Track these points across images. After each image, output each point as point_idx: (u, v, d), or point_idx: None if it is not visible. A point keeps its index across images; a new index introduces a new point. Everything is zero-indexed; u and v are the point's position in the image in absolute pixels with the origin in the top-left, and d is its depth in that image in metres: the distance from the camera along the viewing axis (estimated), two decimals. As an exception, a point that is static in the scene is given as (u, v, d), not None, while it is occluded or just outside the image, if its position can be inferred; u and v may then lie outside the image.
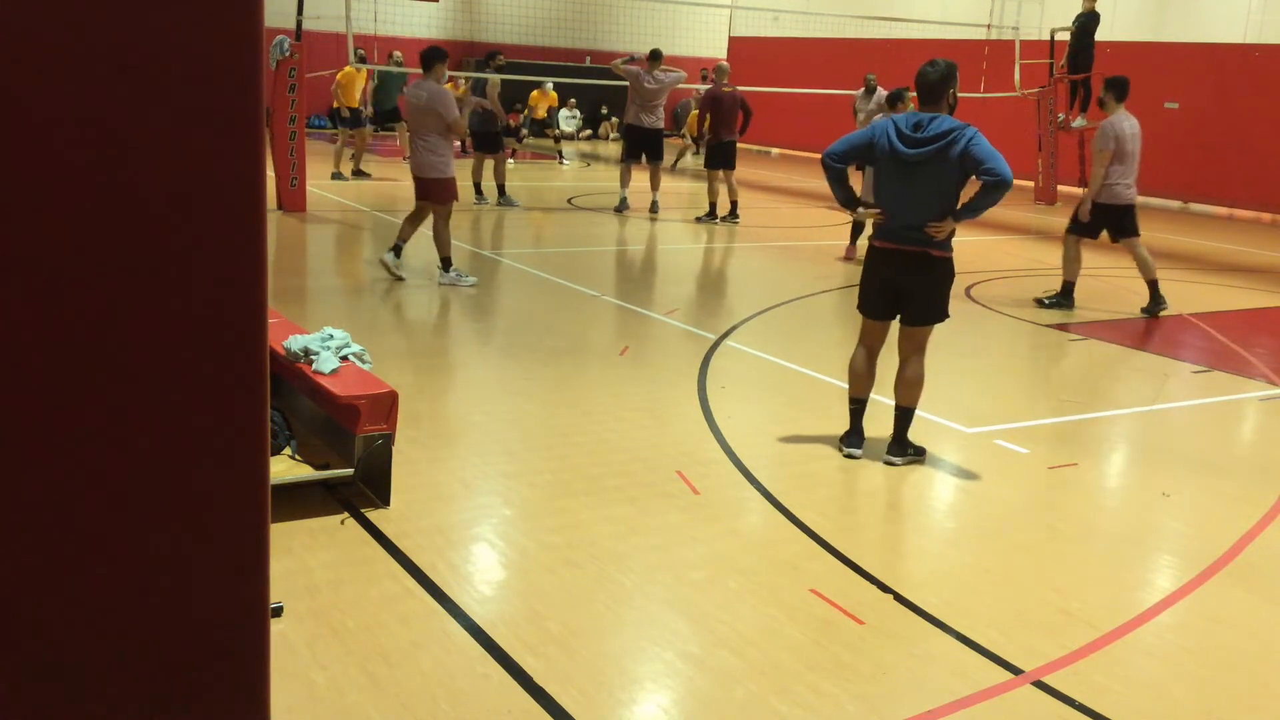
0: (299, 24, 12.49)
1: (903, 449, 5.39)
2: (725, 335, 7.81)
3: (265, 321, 1.88)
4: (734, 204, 13.43)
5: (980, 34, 19.01)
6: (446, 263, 9.03)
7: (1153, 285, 9.26)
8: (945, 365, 7.04)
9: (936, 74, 5.12)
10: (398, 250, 9.06)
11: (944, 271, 5.27)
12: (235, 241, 1.81)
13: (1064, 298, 9.39)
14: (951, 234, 5.20)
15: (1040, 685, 3.48)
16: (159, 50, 1.72)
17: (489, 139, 13.47)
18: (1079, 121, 17.64)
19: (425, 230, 9.07)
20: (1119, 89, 8.82)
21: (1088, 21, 16.88)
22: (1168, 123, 18.44)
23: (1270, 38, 17.57)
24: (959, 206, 5.17)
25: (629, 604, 3.88)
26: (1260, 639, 3.90)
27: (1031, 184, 17.79)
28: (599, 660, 3.50)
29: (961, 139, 5.02)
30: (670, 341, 7.74)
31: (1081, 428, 6.26)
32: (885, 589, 4.07)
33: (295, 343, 4.90)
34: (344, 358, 4.90)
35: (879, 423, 5.60)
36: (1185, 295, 10.48)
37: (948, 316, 5.38)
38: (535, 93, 21.06)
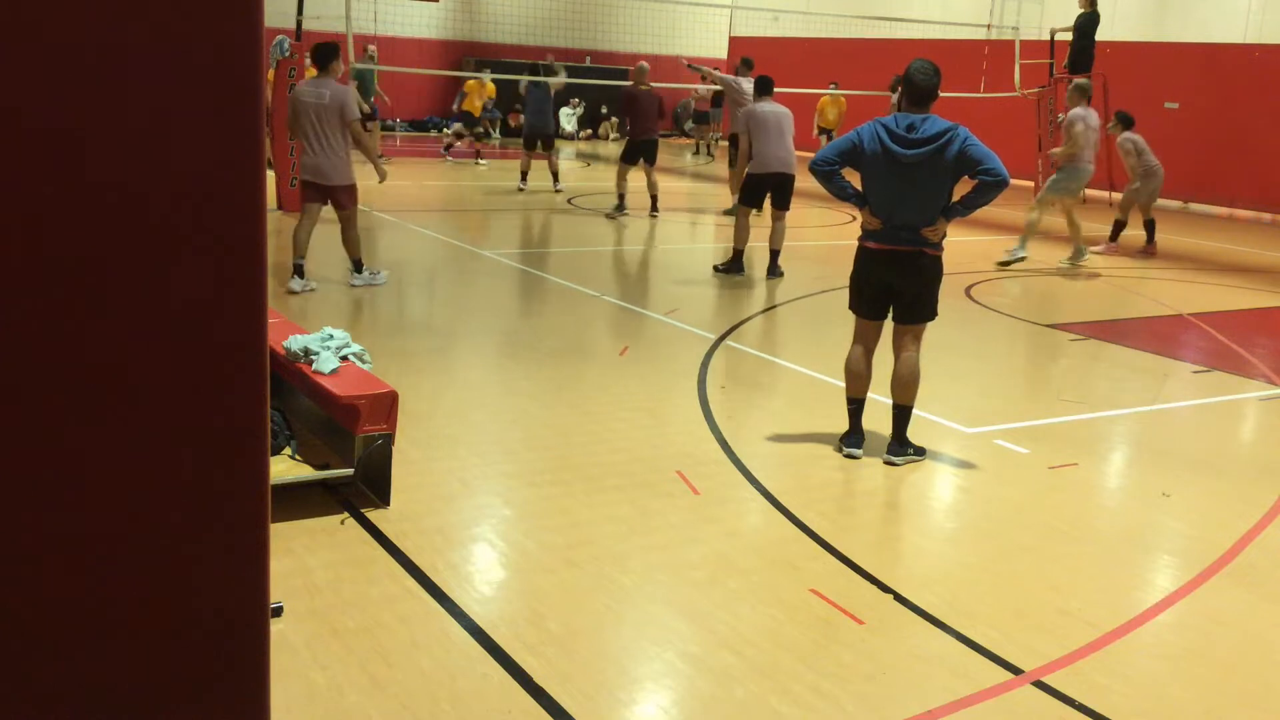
0: (299, 24, 12.49)
1: (903, 448, 5.39)
2: (725, 335, 7.81)
3: (265, 321, 1.88)
4: (654, 199, 13.58)
5: (980, 34, 19.01)
6: (300, 269, 8.37)
7: (737, 253, 10.28)
8: (945, 365, 7.04)
9: (931, 79, 5.16)
10: (300, 272, 8.43)
11: (937, 270, 5.33)
12: (235, 241, 1.81)
13: (734, 264, 10.27)
14: (944, 234, 5.23)
15: (1040, 685, 3.48)
16: (159, 50, 1.72)
17: (546, 135, 15.04)
18: (1079, 121, 17.62)
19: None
20: (762, 85, 10.45)
21: (1087, 22, 16.89)
22: (1168, 123, 18.44)
23: (1270, 38, 17.57)
24: (950, 204, 5.20)
25: (629, 604, 3.88)
26: (1260, 639, 3.90)
27: (1031, 184, 17.79)
28: (599, 660, 3.50)
29: (957, 140, 5.05)
30: (670, 341, 7.74)
31: (1081, 428, 6.26)
32: (885, 589, 4.07)
33: (295, 343, 4.90)
34: (344, 358, 4.90)
35: (878, 422, 5.60)
36: (1185, 295, 10.48)
37: (937, 314, 5.42)
38: (472, 82, 19.02)
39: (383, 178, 8.98)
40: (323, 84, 8.07)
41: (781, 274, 10.23)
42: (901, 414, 5.39)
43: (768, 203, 10.39)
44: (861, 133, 5.24)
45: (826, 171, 5.27)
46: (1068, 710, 3.35)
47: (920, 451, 5.45)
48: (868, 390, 5.52)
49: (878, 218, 5.24)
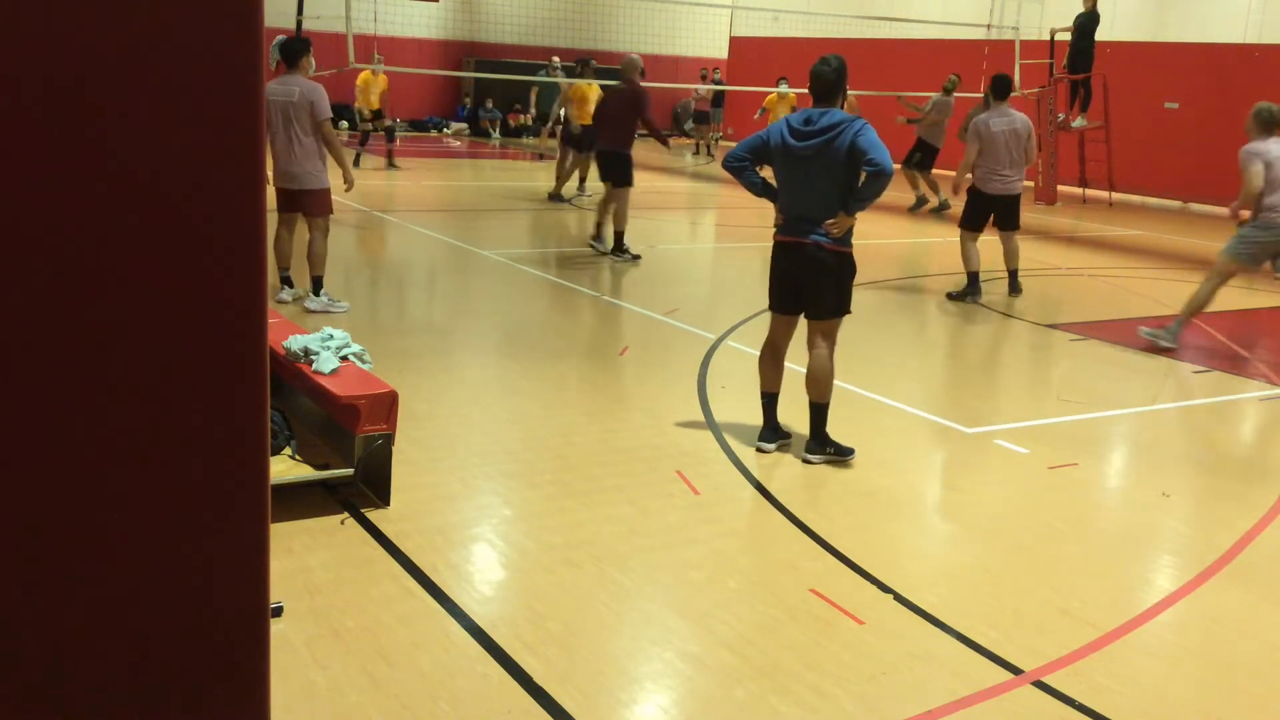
0: (299, 24, 12.50)
1: (820, 445, 5.34)
2: (725, 335, 7.80)
3: (265, 321, 1.88)
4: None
5: (980, 34, 19.01)
6: (318, 284, 7.87)
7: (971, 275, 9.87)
8: (944, 366, 7.04)
9: (834, 73, 5.16)
10: (289, 282, 8.07)
11: (843, 266, 5.25)
12: (235, 241, 1.81)
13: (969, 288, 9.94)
14: (850, 230, 5.22)
15: (1040, 685, 3.48)
16: (159, 50, 1.72)
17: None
18: (1079, 121, 17.65)
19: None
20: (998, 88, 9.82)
21: (1087, 22, 16.90)
22: (1168, 123, 18.45)
23: (1270, 38, 17.57)
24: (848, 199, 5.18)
25: (629, 604, 3.88)
26: (1260, 639, 3.90)
27: (1032, 184, 17.79)
28: (599, 660, 3.50)
29: (849, 131, 5.04)
30: (670, 341, 7.74)
31: (1081, 428, 6.25)
32: (885, 589, 4.07)
33: (295, 343, 4.90)
34: (344, 358, 4.90)
35: (868, 420, 5.60)
36: (1185, 295, 10.46)
37: (850, 311, 5.37)
38: (366, 74, 16.27)
39: (349, 186, 8.15)
40: (291, 81, 7.51)
41: (1019, 290, 9.90)
42: (816, 411, 5.34)
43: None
44: (771, 129, 5.28)
45: (737, 168, 5.33)
46: (1068, 710, 3.35)
47: (844, 451, 5.35)
48: (779, 385, 5.51)
49: (781, 211, 5.27)
